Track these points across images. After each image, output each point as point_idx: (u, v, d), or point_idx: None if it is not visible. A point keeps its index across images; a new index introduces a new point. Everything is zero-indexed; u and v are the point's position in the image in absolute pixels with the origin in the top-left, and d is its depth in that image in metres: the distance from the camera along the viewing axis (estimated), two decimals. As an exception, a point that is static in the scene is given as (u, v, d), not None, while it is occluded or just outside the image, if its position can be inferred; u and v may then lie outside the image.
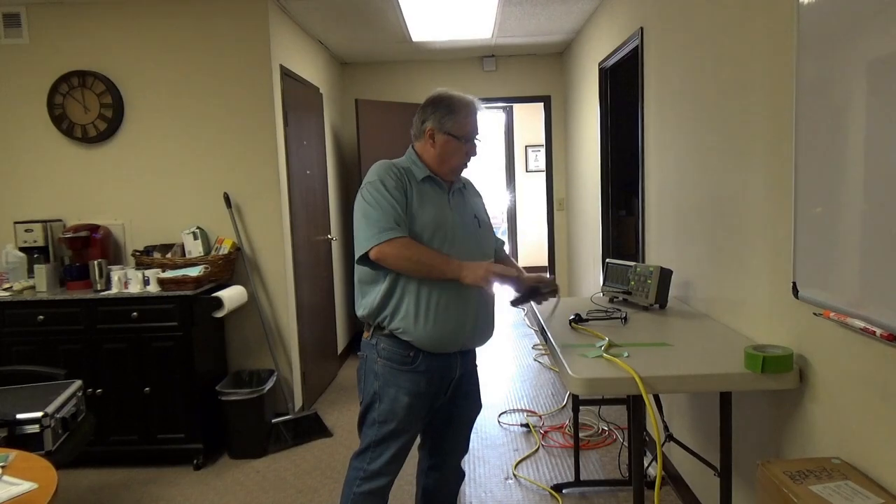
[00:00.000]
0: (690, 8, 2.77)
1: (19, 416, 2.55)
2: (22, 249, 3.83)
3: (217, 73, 3.96)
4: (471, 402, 2.37)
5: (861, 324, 1.54)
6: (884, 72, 1.44)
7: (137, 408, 3.57)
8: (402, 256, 1.97)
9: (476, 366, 2.37)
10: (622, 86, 4.37)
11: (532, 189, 9.04)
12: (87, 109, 3.94)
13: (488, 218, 2.34)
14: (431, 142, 2.14)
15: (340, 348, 5.48)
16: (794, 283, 1.86)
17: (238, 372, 3.99)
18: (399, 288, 2.07)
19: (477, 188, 2.40)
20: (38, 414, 2.56)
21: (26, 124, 3.99)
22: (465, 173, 2.28)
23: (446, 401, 2.25)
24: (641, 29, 3.48)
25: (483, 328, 2.21)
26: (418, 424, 2.22)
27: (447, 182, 2.19)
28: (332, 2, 4.17)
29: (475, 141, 2.19)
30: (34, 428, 2.55)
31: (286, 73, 4.23)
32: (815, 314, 1.76)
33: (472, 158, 2.21)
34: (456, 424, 2.35)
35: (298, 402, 4.22)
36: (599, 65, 4.53)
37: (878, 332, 1.47)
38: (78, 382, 2.97)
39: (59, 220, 4.00)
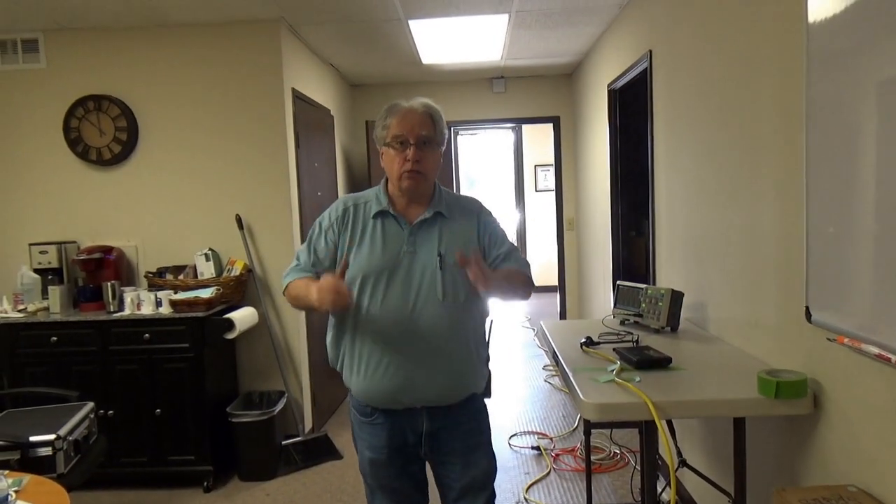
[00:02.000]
0: (699, 30, 2.79)
1: (32, 438, 2.57)
2: (36, 271, 3.87)
3: (230, 96, 4.01)
4: (467, 464, 1.93)
5: (875, 350, 1.53)
6: (894, 92, 1.45)
7: (148, 429, 3.57)
8: (289, 297, 1.94)
9: (466, 420, 1.93)
10: (631, 107, 4.38)
11: (541, 208, 9.05)
12: (103, 133, 4.00)
13: (476, 246, 1.91)
14: (382, 162, 1.93)
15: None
16: (807, 308, 1.85)
17: (249, 393, 4.00)
18: (339, 337, 1.91)
19: (473, 211, 1.98)
20: (51, 436, 2.58)
21: (42, 147, 4.05)
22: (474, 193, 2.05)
23: (436, 463, 1.96)
24: (650, 52, 3.51)
25: (435, 384, 1.84)
26: (399, 482, 1.94)
27: (406, 215, 1.89)
28: (344, 27, 4.23)
29: (412, 143, 1.82)
30: (47, 450, 2.56)
31: (298, 97, 4.28)
32: (828, 339, 1.74)
33: (420, 165, 1.83)
34: (458, 495, 1.95)
35: (308, 423, 4.22)
36: (608, 86, 4.56)
37: (894, 358, 1.46)
38: (90, 404, 2.99)
39: (74, 242, 4.04)
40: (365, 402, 1.90)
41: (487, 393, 2.03)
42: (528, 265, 2.01)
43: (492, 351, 2.07)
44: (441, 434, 1.91)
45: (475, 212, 1.98)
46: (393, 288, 1.82)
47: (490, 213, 2.01)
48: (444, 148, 1.95)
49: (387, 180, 1.94)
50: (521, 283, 1.93)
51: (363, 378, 1.85)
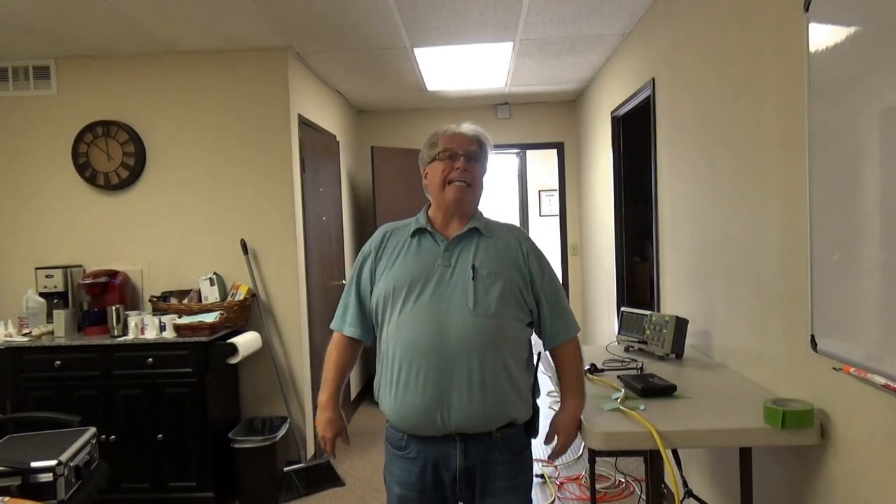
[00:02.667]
0: (701, 59, 2.82)
1: (33, 464, 2.56)
2: (42, 295, 3.88)
3: (237, 122, 4.06)
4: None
5: (882, 380, 1.52)
6: (896, 125, 1.46)
7: (150, 455, 3.55)
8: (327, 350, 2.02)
9: (505, 458, 1.82)
10: (635, 133, 4.41)
11: (546, 233, 9.05)
12: (111, 158, 4.04)
13: (515, 269, 1.85)
14: (426, 182, 1.94)
15: (354, 394, 5.45)
16: (813, 336, 1.84)
17: (251, 419, 3.98)
18: (379, 355, 1.87)
19: (513, 233, 1.94)
20: (52, 462, 2.56)
21: (51, 172, 4.09)
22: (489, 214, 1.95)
23: (471, 500, 1.84)
24: (653, 80, 3.54)
25: (470, 401, 1.74)
26: None
27: (443, 233, 1.89)
28: (350, 55, 4.29)
29: (461, 154, 1.85)
30: (47, 476, 2.54)
31: (304, 122, 4.32)
32: (834, 369, 1.73)
33: (468, 175, 1.85)
34: None
35: (311, 449, 4.18)
36: (612, 113, 4.59)
37: (900, 389, 1.45)
38: (92, 430, 2.97)
39: (80, 266, 4.06)
40: (399, 428, 1.83)
41: (533, 431, 1.90)
42: (575, 325, 1.96)
43: (541, 385, 1.97)
44: (478, 472, 1.80)
45: (516, 235, 1.94)
46: (424, 299, 1.78)
47: (537, 248, 1.94)
48: (486, 173, 1.95)
49: (428, 207, 1.95)
50: (581, 372, 1.96)
51: (397, 395, 1.78)
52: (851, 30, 1.63)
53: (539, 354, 1.98)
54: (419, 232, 1.89)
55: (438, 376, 1.74)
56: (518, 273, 1.85)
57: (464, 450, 1.79)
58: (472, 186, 1.87)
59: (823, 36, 1.76)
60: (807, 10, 1.82)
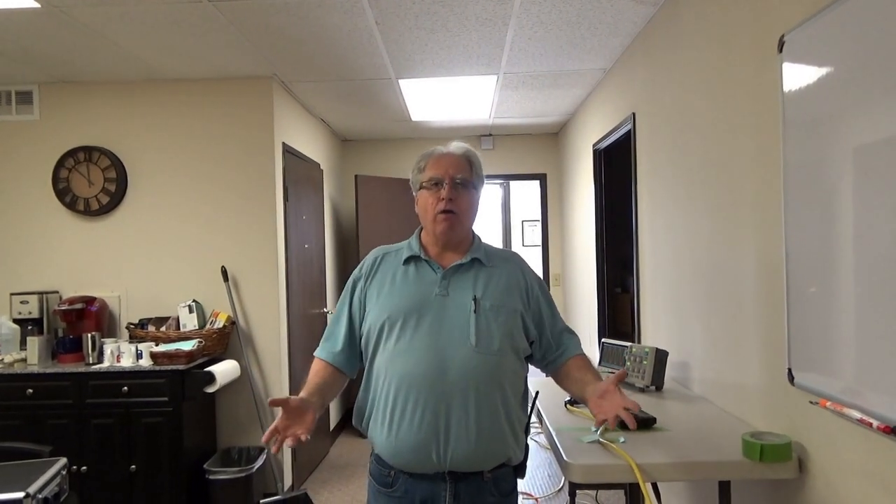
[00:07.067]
0: (680, 95, 2.88)
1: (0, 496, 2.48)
2: (16, 321, 3.81)
3: (221, 149, 4.06)
4: None
5: (858, 414, 1.53)
6: (869, 157, 1.50)
7: (122, 486, 3.46)
8: None
9: (494, 500, 1.73)
10: (616, 166, 4.47)
11: (528, 263, 9.08)
12: (91, 183, 4.01)
13: (518, 299, 1.80)
14: (418, 208, 1.84)
15: (333, 424, 5.37)
16: (790, 370, 1.86)
17: (227, 449, 3.90)
18: (368, 389, 1.77)
19: (515, 263, 1.90)
20: (20, 495, 2.49)
21: (30, 197, 4.05)
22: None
23: None
24: (633, 114, 3.60)
25: (467, 438, 1.65)
26: None
27: (440, 261, 1.80)
28: (335, 84, 4.32)
29: (446, 182, 1.75)
30: (14, 509, 2.47)
31: (288, 150, 4.33)
32: (811, 402, 1.74)
33: (453, 204, 1.75)
34: None
35: (288, 480, 4.11)
36: (593, 146, 4.65)
37: (875, 423, 1.46)
38: (63, 460, 2.90)
39: (56, 292, 4.00)
40: (390, 464, 1.71)
41: (522, 471, 1.81)
42: (579, 340, 1.95)
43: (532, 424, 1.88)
44: None
45: (518, 265, 1.89)
46: (422, 330, 1.69)
47: (538, 278, 1.92)
48: (480, 192, 1.86)
49: (420, 230, 1.86)
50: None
51: (391, 429, 1.68)
52: (824, 70, 1.68)
53: (537, 393, 1.91)
54: (413, 259, 1.80)
55: (436, 411, 1.65)
56: (521, 303, 1.80)
57: (454, 491, 1.68)
58: (460, 215, 1.77)
59: (797, 76, 1.81)
60: (780, 50, 1.88)
